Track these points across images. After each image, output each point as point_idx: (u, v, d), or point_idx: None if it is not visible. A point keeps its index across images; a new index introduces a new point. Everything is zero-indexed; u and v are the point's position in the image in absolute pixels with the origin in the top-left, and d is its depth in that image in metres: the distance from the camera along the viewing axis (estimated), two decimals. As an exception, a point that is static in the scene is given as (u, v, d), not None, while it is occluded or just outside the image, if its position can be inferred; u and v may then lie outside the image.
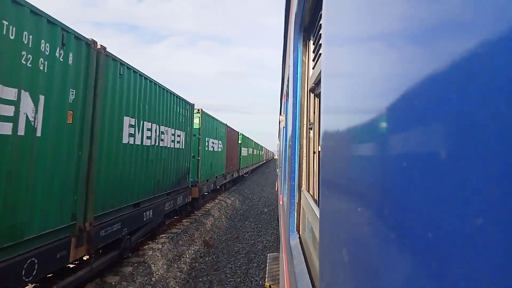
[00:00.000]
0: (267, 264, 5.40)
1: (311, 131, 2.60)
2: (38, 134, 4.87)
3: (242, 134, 31.61)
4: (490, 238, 0.24)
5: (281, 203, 5.64)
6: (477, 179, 0.26)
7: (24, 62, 4.60)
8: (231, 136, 24.72)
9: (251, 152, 40.97)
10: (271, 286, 4.37)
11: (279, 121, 7.40)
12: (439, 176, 0.31)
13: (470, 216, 0.26)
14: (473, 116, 0.26)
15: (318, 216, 0.99)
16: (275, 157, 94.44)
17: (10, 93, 4.36)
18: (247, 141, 36.17)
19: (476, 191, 0.25)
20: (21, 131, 4.54)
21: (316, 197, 2.25)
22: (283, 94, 6.36)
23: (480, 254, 0.25)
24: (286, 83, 4.27)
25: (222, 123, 20.82)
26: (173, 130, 11.05)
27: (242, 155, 31.48)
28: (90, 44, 6.06)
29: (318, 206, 1.00)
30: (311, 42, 2.49)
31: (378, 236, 0.46)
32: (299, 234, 2.54)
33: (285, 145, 4.30)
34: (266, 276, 4.86)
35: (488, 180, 0.24)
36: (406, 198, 0.38)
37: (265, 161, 78.96)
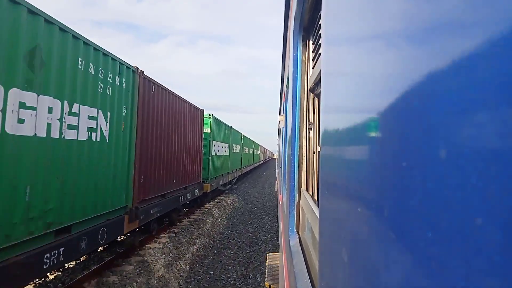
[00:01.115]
0: (267, 264, 5.41)
1: (311, 131, 2.60)
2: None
3: (213, 116, 17.19)
4: (490, 238, 0.24)
5: (280, 203, 5.65)
6: (477, 179, 0.25)
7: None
8: (176, 112, 11.17)
9: (237, 150, 26.38)
10: (271, 285, 4.38)
11: (279, 121, 7.39)
12: (439, 176, 0.31)
13: (470, 216, 0.26)
14: (473, 116, 0.26)
15: (318, 216, 0.99)
16: (275, 156, 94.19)
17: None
18: (226, 132, 20.83)
19: (476, 191, 0.25)
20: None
21: (315, 197, 2.25)
22: (283, 94, 6.36)
23: (479, 254, 0.25)
24: (286, 83, 4.27)
25: (125, 65, 7.64)
26: None
27: (213, 155, 17.01)
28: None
29: (318, 206, 1.00)
30: (311, 42, 2.49)
31: (378, 236, 0.46)
32: (299, 234, 2.54)
33: (285, 145, 4.30)
34: (266, 276, 4.86)
35: (488, 180, 0.24)
36: (406, 198, 0.38)
37: (262, 161, 68.27)
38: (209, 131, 16.80)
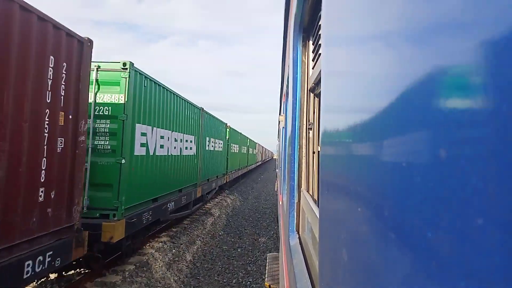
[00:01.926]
0: (267, 264, 5.40)
1: (311, 131, 2.60)
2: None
3: (134, 68, 7.40)
4: (490, 238, 0.24)
5: (280, 203, 5.65)
6: (477, 179, 0.25)
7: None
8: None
9: (218, 148, 17.77)
10: (271, 286, 4.37)
11: (279, 121, 7.40)
12: (439, 176, 0.31)
13: (470, 216, 0.26)
14: (473, 116, 0.26)
15: (318, 216, 0.99)
16: (275, 156, 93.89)
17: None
18: (185, 114, 11.44)
19: (476, 191, 0.25)
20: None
21: (315, 197, 2.25)
22: (283, 94, 6.36)
23: (480, 254, 0.25)
24: (286, 83, 4.28)
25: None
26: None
27: (137, 154, 7.70)
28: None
29: (318, 206, 1.00)
30: (311, 42, 2.49)
31: (378, 236, 0.46)
32: (299, 234, 2.54)
33: (285, 145, 4.31)
34: (266, 276, 4.86)
35: (488, 180, 0.24)
36: (406, 198, 0.38)
37: (260, 162, 60.16)
38: (123, 101, 7.30)
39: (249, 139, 36.46)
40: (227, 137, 20.91)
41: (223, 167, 19.52)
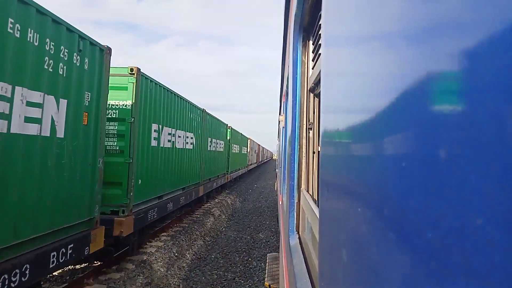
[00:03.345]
0: (267, 264, 5.41)
1: (311, 131, 2.60)
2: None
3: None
4: (490, 238, 0.24)
5: (280, 203, 5.65)
6: (477, 179, 0.25)
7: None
8: None
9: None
10: (271, 286, 4.37)
11: (279, 121, 7.42)
12: (438, 176, 0.31)
13: (470, 216, 0.26)
14: (473, 116, 0.26)
15: (318, 216, 0.99)
16: (275, 157, 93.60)
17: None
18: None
19: (476, 191, 0.25)
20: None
21: (315, 197, 2.25)
22: (283, 94, 6.37)
23: (480, 254, 0.25)
24: (286, 83, 4.28)
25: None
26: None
27: None
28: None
29: (318, 206, 1.00)
30: (311, 42, 2.49)
31: (378, 236, 0.46)
32: (299, 234, 2.54)
33: (285, 145, 4.31)
34: (266, 276, 4.86)
35: (488, 180, 0.24)
36: (406, 198, 0.38)
37: (256, 164, 49.62)
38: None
39: (233, 129, 23.69)
40: (160, 116, 9.24)
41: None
